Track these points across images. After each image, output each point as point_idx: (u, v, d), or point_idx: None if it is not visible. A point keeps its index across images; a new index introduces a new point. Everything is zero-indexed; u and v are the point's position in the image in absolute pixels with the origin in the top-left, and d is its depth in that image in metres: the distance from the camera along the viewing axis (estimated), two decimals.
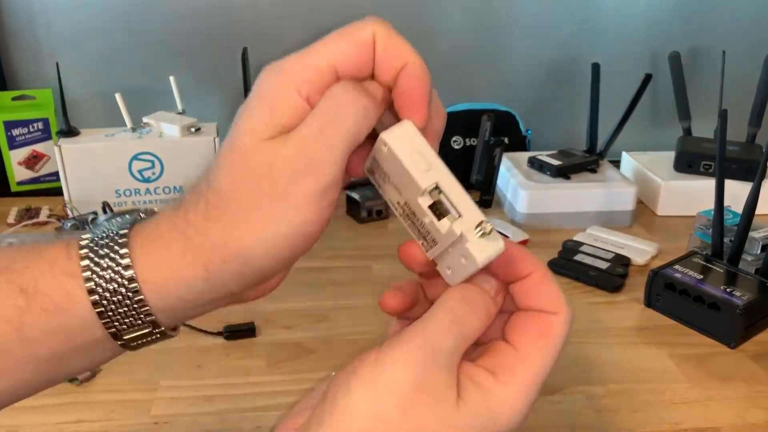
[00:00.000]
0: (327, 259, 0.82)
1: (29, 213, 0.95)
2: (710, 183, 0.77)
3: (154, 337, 0.33)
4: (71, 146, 0.93)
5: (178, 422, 0.57)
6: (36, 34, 1.06)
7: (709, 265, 0.74)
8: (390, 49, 0.31)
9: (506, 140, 1.07)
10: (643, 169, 1.04)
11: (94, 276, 0.30)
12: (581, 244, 0.85)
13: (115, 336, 0.31)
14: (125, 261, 0.30)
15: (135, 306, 0.31)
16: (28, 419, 0.57)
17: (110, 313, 0.31)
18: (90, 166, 0.94)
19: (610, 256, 0.82)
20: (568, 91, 1.17)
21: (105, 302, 0.30)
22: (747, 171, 0.94)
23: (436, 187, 0.31)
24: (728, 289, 0.69)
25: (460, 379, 0.29)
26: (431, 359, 0.28)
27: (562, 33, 1.15)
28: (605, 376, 0.63)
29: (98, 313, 0.30)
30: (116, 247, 0.31)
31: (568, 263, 0.81)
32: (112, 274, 0.30)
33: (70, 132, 0.97)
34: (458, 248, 0.30)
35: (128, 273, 0.30)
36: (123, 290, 0.30)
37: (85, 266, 0.30)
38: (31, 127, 1.00)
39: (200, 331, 0.68)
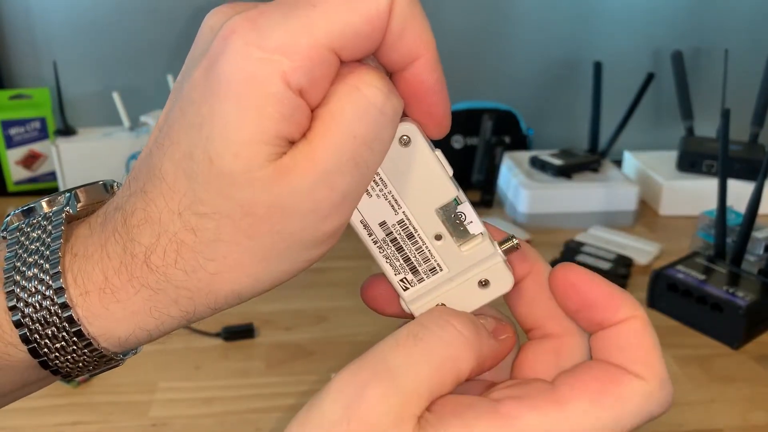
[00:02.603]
0: (326, 260, 0.82)
1: None
2: (713, 183, 0.76)
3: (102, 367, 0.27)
4: (69, 145, 0.93)
5: (176, 424, 0.56)
6: (33, 33, 1.05)
7: (712, 266, 0.73)
8: (407, 33, 0.22)
9: (507, 140, 1.07)
10: (646, 168, 1.03)
11: (26, 320, 0.24)
12: (583, 244, 0.84)
13: (45, 365, 0.25)
14: (66, 314, 0.24)
15: (76, 345, 0.24)
16: (25, 421, 0.56)
17: (46, 350, 0.24)
18: (87, 166, 0.93)
19: (612, 256, 0.82)
20: (569, 90, 1.17)
21: (37, 336, 0.24)
22: (750, 171, 0.94)
23: (456, 199, 0.25)
24: (731, 290, 0.68)
25: (433, 409, 0.22)
26: (367, 376, 0.22)
27: (564, 32, 1.14)
28: None
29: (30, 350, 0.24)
30: (53, 302, 0.24)
31: None
32: (47, 316, 0.24)
33: (67, 131, 0.96)
34: (479, 271, 0.26)
35: (70, 321, 0.24)
36: (64, 335, 0.24)
37: (12, 306, 0.24)
38: (28, 126, 1.00)
39: (198, 332, 0.67)
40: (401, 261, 0.26)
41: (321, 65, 0.21)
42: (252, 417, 0.57)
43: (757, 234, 0.76)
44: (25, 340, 0.24)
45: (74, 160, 0.93)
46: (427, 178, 0.25)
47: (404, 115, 0.25)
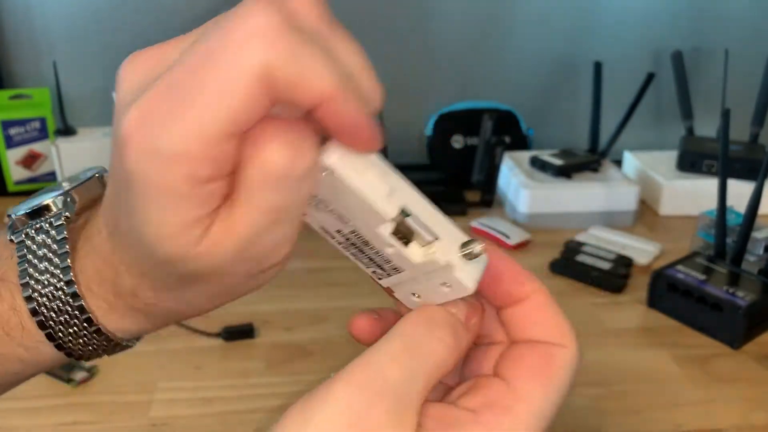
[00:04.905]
0: (327, 260, 0.82)
1: None
2: (713, 183, 0.76)
3: (111, 350, 0.30)
4: (68, 145, 0.93)
5: (176, 424, 0.56)
6: (33, 33, 1.05)
7: (712, 266, 0.73)
8: (299, 89, 0.20)
9: (507, 139, 1.07)
10: (646, 168, 1.03)
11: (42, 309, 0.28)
12: (583, 244, 0.84)
13: (60, 347, 0.29)
14: (77, 303, 0.27)
15: (87, 330, 0.28)
16: (24, 420, 0.56)
17: (60, 336, 0.28)
18: (87, 166, 0.93)
19: (612, 256, 0.82)
20: (569, 90, 1.17)
21: (52, 323, 0.28)
22: (750, 171, 0.94)
23: (403, 211, 0.24)
24: (731, 290, 0.68)
25: (424, 422, 0.24)
26: (371, 393, 0.23)
27: (564, 31, 1.14)
28: (607, 378, 0.63)
29: (47, 334, 0.28)
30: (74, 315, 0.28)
31: (569, 263, 0.80)
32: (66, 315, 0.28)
33: (67, 131, 0.96)
34: (438, 275, 0.26)
35: (81, 310, 0.28)
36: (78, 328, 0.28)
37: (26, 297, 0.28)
38: (28, 126, 1.00)
39: (198, 332, 0.67)
40: (367, 259, 0.27)
41: (221, 151, 0.21)
42: (252, 417, 0.57)
43: (757, 234, 0.76)
44: (41, 326, 0.28)
45: (74, 160, 0.93)
46: (358, 204, 0.24)
47: (328, 139, 0.23)
